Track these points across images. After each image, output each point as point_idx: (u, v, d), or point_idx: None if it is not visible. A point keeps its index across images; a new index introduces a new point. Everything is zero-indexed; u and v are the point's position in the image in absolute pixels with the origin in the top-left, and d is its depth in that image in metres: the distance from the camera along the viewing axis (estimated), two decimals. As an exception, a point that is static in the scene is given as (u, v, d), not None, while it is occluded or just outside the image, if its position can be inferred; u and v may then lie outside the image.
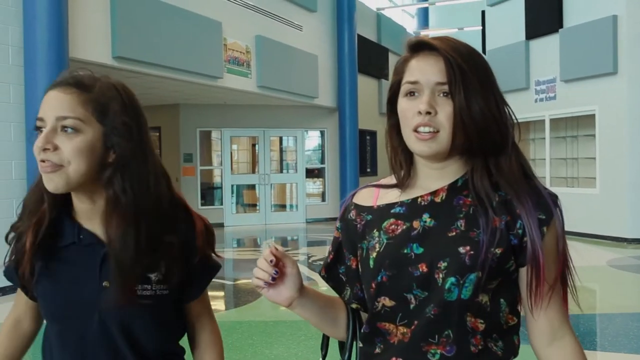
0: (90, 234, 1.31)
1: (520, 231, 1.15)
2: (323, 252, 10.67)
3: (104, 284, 1.29)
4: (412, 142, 1.19)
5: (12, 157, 6.77)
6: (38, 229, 1.31)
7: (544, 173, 11.71)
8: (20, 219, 1.36)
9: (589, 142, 11.28)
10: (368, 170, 16.66)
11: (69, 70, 1.31)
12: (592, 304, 6.56)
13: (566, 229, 1.20)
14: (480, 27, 14.55)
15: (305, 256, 9.87)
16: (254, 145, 14.93)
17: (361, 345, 1.26)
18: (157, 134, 14.12)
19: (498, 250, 1.13)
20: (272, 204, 15.14)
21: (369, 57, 16.47)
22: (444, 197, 1.21)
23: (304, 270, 8.01)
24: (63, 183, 1.23)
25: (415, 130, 1.17)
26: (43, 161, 1.22)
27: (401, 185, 1.26)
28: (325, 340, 1.39)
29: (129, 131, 1.27)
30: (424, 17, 22.13)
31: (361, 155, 15.79)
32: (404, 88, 1.21)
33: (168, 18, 9.17)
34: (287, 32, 12.82)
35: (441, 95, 1.16)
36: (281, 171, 16.03)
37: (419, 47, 1.21)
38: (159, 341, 1.37)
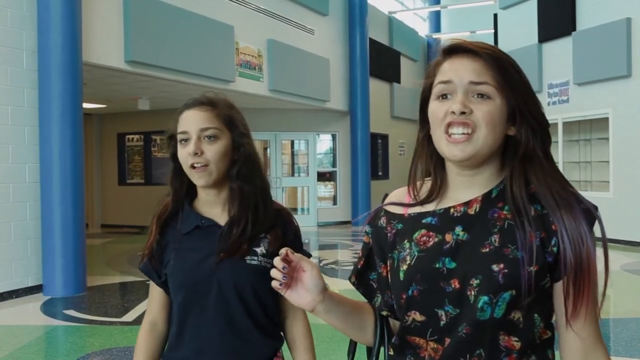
0: (209, 219, 1.64)
1: (555, 248, 1.10)
2: (335, 256, 10.65)
3: (221, 255, 1.59)
4: (443, 145, 1.13)
5: (26, 160, 6.82)
6: (161, 221, 1.67)
7: (557, 177, 11.60)
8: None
9: (602, 146, 11.20)
10: (379, 174, 16.64)
11: (201, 94, 1.67)
12: (605, 308, 6.45)
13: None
14: (493, 31, 14.51)
15: (317, 260, 9.85)
16: (265, 149, 14.97)
17: (391, 353, 1.23)
18: (170, 137, 14.19)
19: (533, 268, 1.08)
20: (284, 207, 15.11)
21: (381, 60, 16.46)
22: (477, 209, 1.15)
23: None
24: (209, 179, 1.59)
25: (447, 133, 1.11)
26: (193, 167, 1.58)
27: (429, 198, 1.21)
28: (352, 346, 1.36)
29: (248, 134, 1.67)
30: (436, 21, 22.07)
31: (373, 158, 15.77)
32: (436, 90, 1.15)
33: (180, 22, 9.21)
34: (298, 36, 12.84)
35: (475, 96, 1.11)
36: (292, 174, 16.02)
37: (453, 50, 1.16)
38: (266, 311, 1.64)
